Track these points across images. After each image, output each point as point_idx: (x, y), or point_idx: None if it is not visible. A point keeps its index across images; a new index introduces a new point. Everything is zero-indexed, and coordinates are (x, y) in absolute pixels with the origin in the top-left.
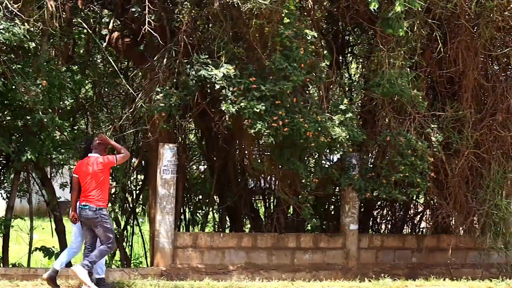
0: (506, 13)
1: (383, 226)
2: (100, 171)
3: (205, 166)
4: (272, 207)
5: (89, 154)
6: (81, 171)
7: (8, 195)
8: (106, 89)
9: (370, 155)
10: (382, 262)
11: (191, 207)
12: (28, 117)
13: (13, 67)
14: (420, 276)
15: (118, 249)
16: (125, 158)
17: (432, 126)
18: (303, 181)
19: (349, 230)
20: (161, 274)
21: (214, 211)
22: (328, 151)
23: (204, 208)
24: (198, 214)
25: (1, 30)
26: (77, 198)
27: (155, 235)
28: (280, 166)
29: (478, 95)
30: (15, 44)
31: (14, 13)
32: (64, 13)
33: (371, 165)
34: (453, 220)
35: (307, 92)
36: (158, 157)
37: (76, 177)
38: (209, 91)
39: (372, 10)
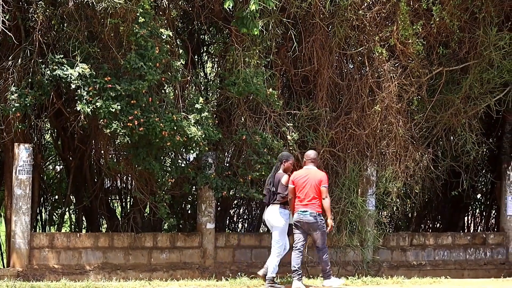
0: (360, 11)
1: (240, 225)
2: (318, 183)
3: (61, 166)
4: (128, 207)
5: (307, 167)
6: (299, 181)
7: None
8: None
9: (226, 154)
10: (239, 260)
11: (48, 207)
12: None
13: None
14: (277, 274)
15: None
16: (325, 202)
17: (288, 124)
18: (159, 180)
19: (206, 229)
20: (18, 274)
21: (71, 211)
22: (184, 150)
23: (60, 208)
24: (54, 214)
25: None
26: (294, 205)
27: (11, 236)
28: (136, 166)
29: (333, 93)
30: None
31: None
32: None
33: (228, 164)
34: None
35: (163, 91)
36: (13, 157)
37: (293, 187)
38: (64, 90)
39: (227, 9)
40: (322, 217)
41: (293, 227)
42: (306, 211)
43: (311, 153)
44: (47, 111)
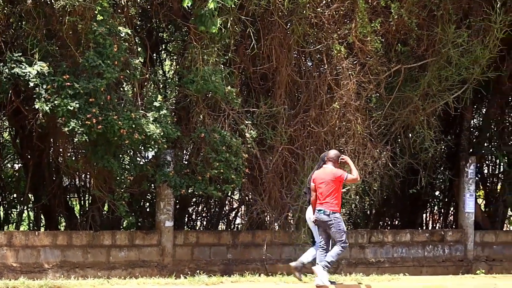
0: (319, 9)
1: (198, 223)
2: (332, 181)
3: (20, 164)
4: (87, 205)
5: (324, 166)
6: (316, 180)
7: None
8: None
9: (185, 151)
10: (198, 258)
11: (6, 206)
12: None
13: None
14: (236, 272)
15: None
16: (353, 180)
17: (246, 122)
18: (118, 178)
19: (165, 227)
20: None
21: (29, 210)
22: (142, 148)
23: (18, 207)
24: (12, 213)
25: None
26: (315, 202)
27: None
28: (94, 164)
29: (291, 91)
30: None
31: None
32: None
33: (186, 162)
34: (268, 216)
35: (121, 89)
36: None
37: (313, 185)
38: (23, 89)
39: (186, 7)
40: (337, 215)
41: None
42: (321, 210)
43: (330, 153)
44: (5, 110)
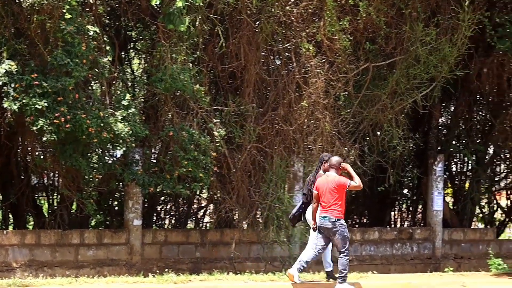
0: (287, 8)
1: (167, 221)
2: (336, 189)
3: None
4: (55, 204)
5: (327, 173)
6: (321, 187)
7: None
8: None
9: (153, 150)
10: (166, 257)
11: None
12: None
13: None
14: (204, 270)
15: None
16: (356, 187)
17: (215, 120)
18: (86, 177)
19: (133, 225)
20: None
21: None
22: (111, 146)
23: None
24: None
25: None
26: (317, 210)
27: None
28: (63, 163)
29: (260, 89)
30: None
31: None
32: None
33: (155, 160)
34: (237, 214)
35: (90, 88)
36: None
37: (316, 192)
38: None
39: (154, 5)
40: (342, 222)
41: (318, 230)
42: (326, 217)
43: (333, 159)
44: None
